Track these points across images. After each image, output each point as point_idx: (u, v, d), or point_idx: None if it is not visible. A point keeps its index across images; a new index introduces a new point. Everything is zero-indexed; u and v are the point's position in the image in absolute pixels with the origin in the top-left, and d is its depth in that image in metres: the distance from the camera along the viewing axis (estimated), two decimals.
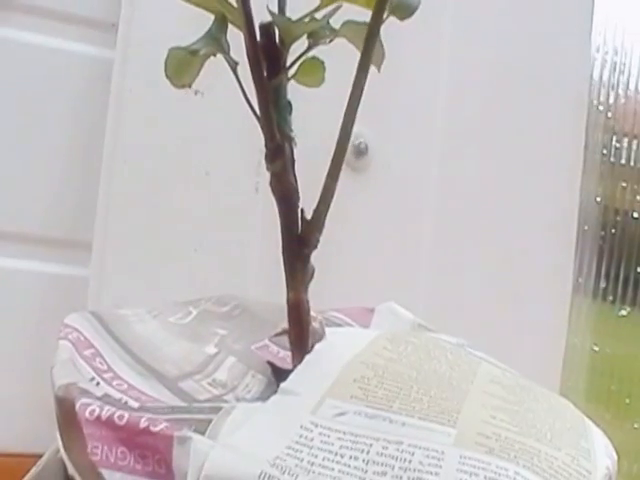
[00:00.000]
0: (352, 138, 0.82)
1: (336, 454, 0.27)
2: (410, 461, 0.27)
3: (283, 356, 0.39)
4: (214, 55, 0.36)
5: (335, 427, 0.29)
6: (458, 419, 0.31)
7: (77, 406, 0.28)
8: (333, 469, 0.26)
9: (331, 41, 0.35)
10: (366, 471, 0.26)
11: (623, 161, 0.99)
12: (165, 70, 0.37)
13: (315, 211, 0.34)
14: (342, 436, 0.28)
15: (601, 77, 0.97)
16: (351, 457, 0.27)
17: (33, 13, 0.73)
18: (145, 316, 0.42)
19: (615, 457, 0.36)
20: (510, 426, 0.32)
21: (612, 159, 0.98)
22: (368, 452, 0.27)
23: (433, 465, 0.27)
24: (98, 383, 0.33)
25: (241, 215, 0.74)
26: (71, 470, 0.30)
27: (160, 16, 0.72)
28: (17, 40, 0.73)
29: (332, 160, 0.34)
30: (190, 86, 0.38)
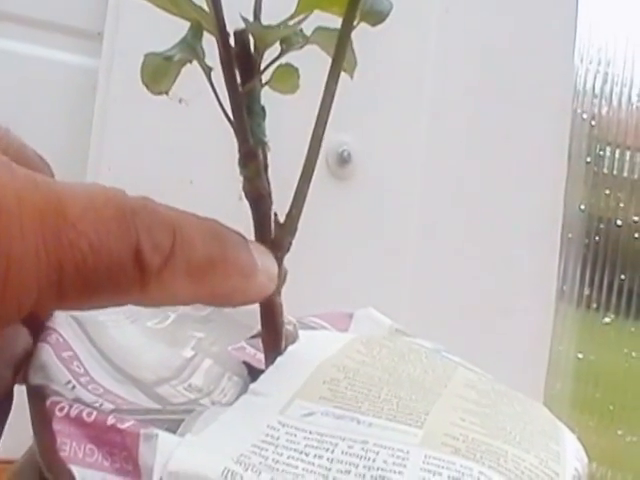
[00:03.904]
0: (336, 146, 0.83)
1: (301, 452, 0.27)
2: (374, 460, 0.27)
3: (260, 358, 0.39)
4: (190, 62, 0.36)
5: (302, 427, 0.29)
6: (426, 420, 0.31)
7: (47, 404, 0.29)
8: (297, 467, 0.27)
9: (302, 47, 0.35)
10: (330, 469, 0.27)
11: (607, 169, 0.99)
12: (141, 77, 0.37)
13: (288, 215, 0.35)
14: (308, 435, 0.28)
15: (585, 86, 0.98)
16: (316, 455, 0.27)
17: (18, 22, 0.74)
18: (123, 321, 0.42)
19: (586, 461, 0.36)
20: (479, 428, 0.32)
21: (596, 167, 0.99)
22: (333, 451, 0.28)
23: (397, 464, 0.27)
24: (74, 386, 0.33)
25: (225, 223, 0.75)
26: (46, 472, 0.30)
27: (145, 25, 0.72)
28: (1, 49, 0.74)
29: (304, 165, 0.35)
30: (167, 93, 0.38)
